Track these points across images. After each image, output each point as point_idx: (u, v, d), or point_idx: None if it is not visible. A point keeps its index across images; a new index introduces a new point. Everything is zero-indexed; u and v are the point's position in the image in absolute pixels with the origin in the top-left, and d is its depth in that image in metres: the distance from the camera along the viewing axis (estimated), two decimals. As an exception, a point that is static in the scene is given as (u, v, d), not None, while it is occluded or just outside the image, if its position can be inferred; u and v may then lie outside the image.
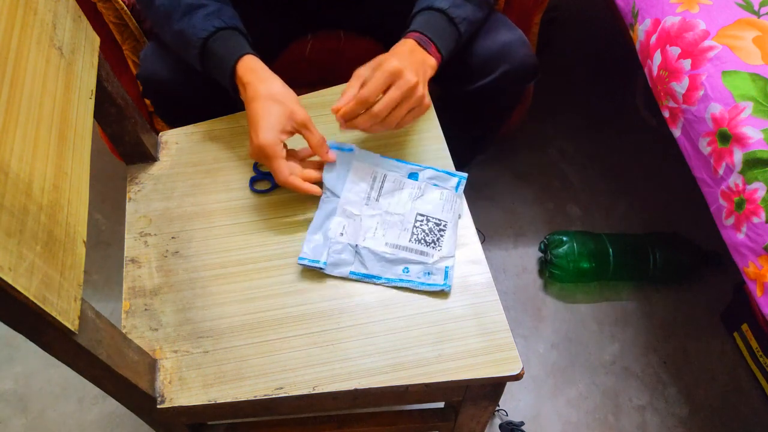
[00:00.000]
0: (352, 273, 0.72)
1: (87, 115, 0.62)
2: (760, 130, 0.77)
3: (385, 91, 0.72)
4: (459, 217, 0.77)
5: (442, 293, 0.71)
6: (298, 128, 0.74)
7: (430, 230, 0.75)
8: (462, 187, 0.79)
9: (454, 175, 0.80)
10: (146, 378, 0.63)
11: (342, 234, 0.73)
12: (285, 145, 0.74)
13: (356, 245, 0.73)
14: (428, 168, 0.79)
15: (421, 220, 0.76)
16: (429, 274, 0.72)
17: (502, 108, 1.02)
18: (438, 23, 0.80)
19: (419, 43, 0.77)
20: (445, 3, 0.80)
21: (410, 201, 0.77)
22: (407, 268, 0.72)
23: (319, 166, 0.77)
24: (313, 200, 0.77)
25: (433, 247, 0.74)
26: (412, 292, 0.71)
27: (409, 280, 0.71)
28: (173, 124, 0.89)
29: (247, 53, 0.76)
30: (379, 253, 0.73)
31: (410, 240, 0.74)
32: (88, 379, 0.58)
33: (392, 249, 0.73)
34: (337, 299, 0.70)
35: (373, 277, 0.72)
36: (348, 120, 0.74)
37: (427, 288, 0.71)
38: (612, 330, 1.20)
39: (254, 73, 0.74)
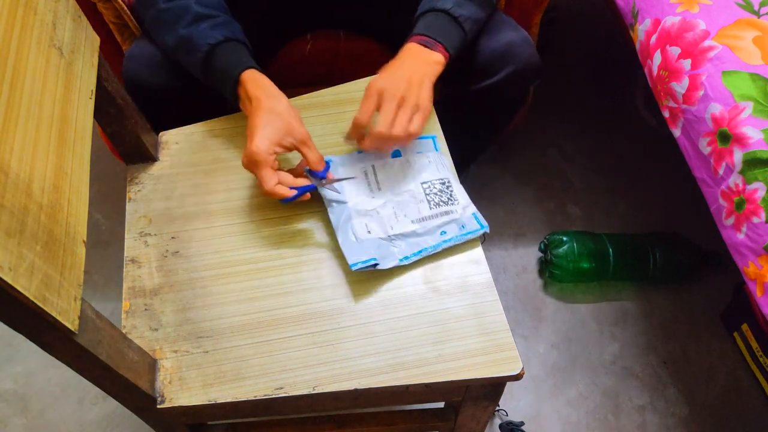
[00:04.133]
0: (401, 260, 0.72)
1: (87, 115, 0.63)
2: (760, 130, 0.77)
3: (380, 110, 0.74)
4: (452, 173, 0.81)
5: (484, 235, 0.76)
6: (297, 144, 0.74)
7: (440, 191, 0.77)
8: (438, 146, 0.82)
9: (425, 137, 0.82)
10: (146, 378, 0.63)
11: (369, 232, 0.73)
12: (279, 162, 0.74)
13: (387, 236, 0.73)
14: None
15: (427, 186, 0.77)
16: (463, 226, 0.75)
17: (506, 108, 1.02)
18: (442, 23, 0.80)
19: (424, 45, 0.78)
20: (448, 3, 0.80)
21: (408, 175, 0.78)
22: (444, 230, 0.74)
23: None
24: (316, 200, 0.77)
25: (452, 203, 0.76)
26: (411, 291, 0.71)
27: (454, 237, 0.74)
28: (157, 125, 0.88)
29: (252, 66, 0.77)
30: (410, 233, 0.74)
31: (430, 207, 0.76)
32: (88, 379, 0.58)
33: (420, 224, 0.74)
34: (337, 299, 0.70)
35: (420, 252, 0.73)
36: (359, 142, 0.76)
37: (471, 236, 0.75)
38: (612, 330, 1.20)
39: (262, 89, 0.75)
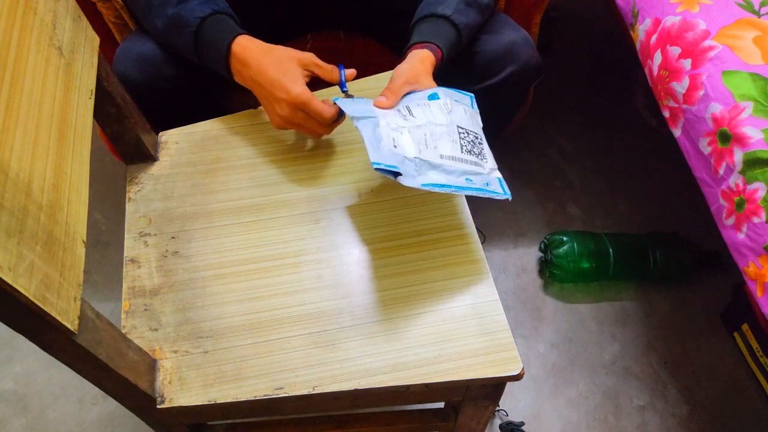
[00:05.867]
0: (423, 185, 0.67)
1: (87, 115, 0.62)
2: (760, 129, 0.77)
3: None
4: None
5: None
6: (309, 68, 0.77)
7: (472, 142, 0.74)
8: (476, 105, 0.80)
9: (465, 94, 0.80)
10: (146, 378, 0.63)
11: (395, 147, 0.69)
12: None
13: (414, 158, 0.69)
14: (441, 87, 0.78)
15: (462, 133, 0.74)
16: (488, 183, 0.73)
17: (506, 108, 1.02)
18: (443, 30, 0.82)
19: (430, 51, 0.80)
20: (449, 9, 0.81)
21: (444, 115, 0.74)
22: (469, 178, 0.71)
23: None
24: (316, 200, 0.77)
25: (482, 159, 0.74)
26: (410, 291, 0.71)
27: (477, 188, 0.71)
28: (155, 125, 0.88)
29: (242, 33, 0.78)
30: (438, 165, 0.70)
31: (462, 151, 0.72)
32: (88, 379, 0.58)
33: (449, 161, 0.71)
34: (337, 299, 0.70)
35: (443, 186, 0.68)
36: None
37: (493, 195, 0.72)
38: (612, 330, 1.20)
39: (250, 50, 0.77)
